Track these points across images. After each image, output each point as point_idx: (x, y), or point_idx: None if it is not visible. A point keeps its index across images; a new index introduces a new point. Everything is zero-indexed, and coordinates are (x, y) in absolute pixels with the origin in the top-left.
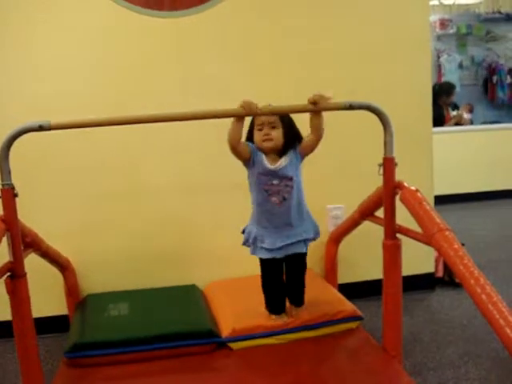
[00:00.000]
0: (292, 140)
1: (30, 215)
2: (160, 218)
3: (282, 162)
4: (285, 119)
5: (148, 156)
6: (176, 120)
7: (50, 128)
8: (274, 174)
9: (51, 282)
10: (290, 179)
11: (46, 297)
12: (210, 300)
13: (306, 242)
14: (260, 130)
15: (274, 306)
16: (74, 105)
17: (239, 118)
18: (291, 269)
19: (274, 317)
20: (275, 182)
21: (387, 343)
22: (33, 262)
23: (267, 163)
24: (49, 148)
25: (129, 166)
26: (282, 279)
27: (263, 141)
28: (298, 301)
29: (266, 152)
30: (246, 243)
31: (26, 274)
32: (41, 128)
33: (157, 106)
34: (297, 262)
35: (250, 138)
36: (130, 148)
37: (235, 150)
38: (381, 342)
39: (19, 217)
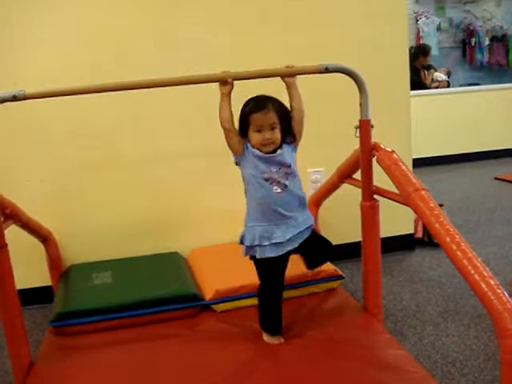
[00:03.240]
0: (287, 131)
1: (9, 187)
2: (141, 187)
3: (279, 152)
4: (280, 113)
5: (127, 125)
6: (153, 86)
7: (24, 98)
8: (271, 160)
9: (34, 253)
10: (289, 166)
11: (29, 268)
12: (193, 266)
13: (308, 228)
14: (259, 131)
15: (272, 322)
16: (50, 75)
17: (224, 95)
18: (312, 251)
19: (268, 337)
20: (274, 169)
21: (368, 303)
22: (15, 235)
23: (261, 152)
24: (28, 118)
25: (107, 135)
26: (283, 286)
27: (263, 145)
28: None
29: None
30: (249, 251)
31: (6, 244)
32: (15, 98)
33: (135, 72)
34: (314, 243)
35: (243, 133)
36: (108, 117)
37: (227, 128)
38: (361, 302)
39: None
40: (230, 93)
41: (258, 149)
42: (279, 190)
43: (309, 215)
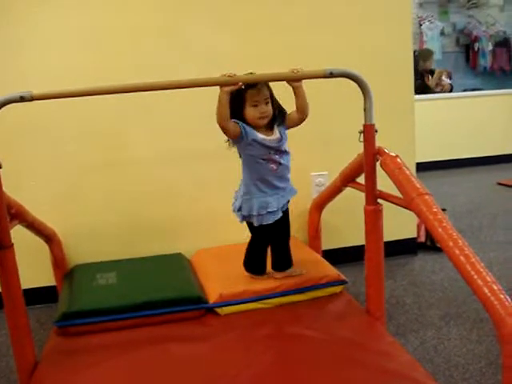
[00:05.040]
0: (278, 111)
1: (14, 187)
2: (146, 188)
3: (277, 134)
4: (270, 89)
5: (133, 125)
6: (159, 89)
7: (31, 99)
8: (271, 147)
9: (39, 253)
10: (288, 153)
11: (34, 268)
12: (197, 267)
13: (292, 194)
14: (255, 105)
15: (261, 266)
16: (57, 76)
17: (226, 92)
18: (281, 228)
19: (258, 277)
20: (272, 151)
21: (370, 306)
22: (20, 235)
23: (261, 136)
24: (34, 119)
25: (113, 136)
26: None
27: (260, 118)
28: (287, 262)
29: (258, 127)
30: (246, 218)
31: (12, 244)
32: (22, 99)
33: (140, 74)
34: (285, 220)
35: (236, 114)
36: (114, 117)
37: (225, 128)
38: (364, 305)
39: (3, 188)
40: (231, 91)
41: (254, 126)
42: (275, 168)
43: (293, 188)
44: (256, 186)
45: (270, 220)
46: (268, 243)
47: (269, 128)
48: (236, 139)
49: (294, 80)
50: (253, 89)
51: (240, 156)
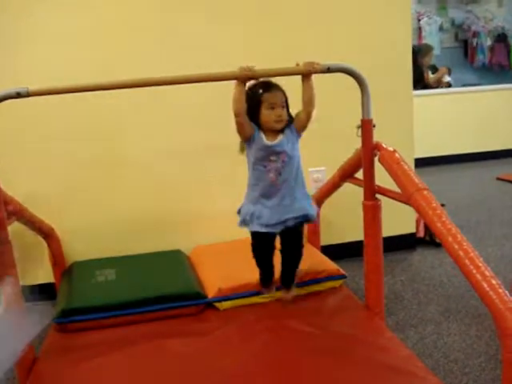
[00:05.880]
0: (290, 117)
1: (12, 184)
2: (144, 184)
3: (280, 138)
4: (285, 95)
5: (131, 122)
6: (166, 84)
7: (28, 94)
8: (271, 150)
9: (37, 250)
10: (286, 154)
11: (33, 265)
12: (196, 264)
13: (301, 219)
14: (272, 108)
15: (263, 276)
16: (55, 72)
17: (241, 84)
18: (286, 246)
19: (263, 289)
20: (273, 158)
21: (370, 301)
22: (18, 232)
23: (265, 140)
24: (32, 116)
25: (111, 133)
26: (273, 252)
27: (276, 121)
28: (290, 280)
29: (268, 130)
30: (243, 223)
31: (10, 241)
32: (18, 95)
33: (141, 70)
34: (291, 239)
35: (251, 117)
36: (112, 114)
37: (241, 123)
38: (363, 300)
39: (1, 185)
40: (247, 81)
41: (267, 129)
42: (273, 178)
43: (306, 205)
44: (254, 194)
45: (258, 228)
46: (267, 254)
47: (276, 134)
48: (249, 138)
49: (295, 74)
50: (270, 92)
51: (248, 164)
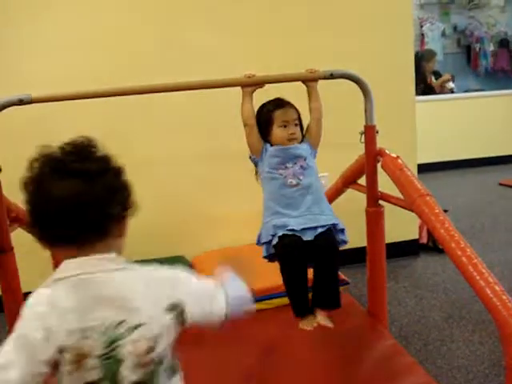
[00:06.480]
0: (303, 136)
1: (15, 191)
2: (148, 190)
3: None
4: (298, 112)
5: (137, 127)
6: (172, 91)
7: (31, 101)
8: (287, 153)
9: (40, 256)
10: (304, 159)
11: (35, 272)
12: (198, 270)
13: (331, 228)
14: (284, 126)
15: (296, 305)
16: (57, 79)
17: (248, 93)
18: (318, 258)
19: (300, 322)
20: (289, 164)
21: (372, 308)
22: (21, 238)
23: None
24: (35, 122)
25: (116, 137)
26: (306, 270)
27: (289, 140)
28: (329, 300)
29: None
30: (268, 243)
31: (13, 248)
32: (21, 102)
33: (140, 77)
34: (324, 249)
35: (262, 135)
36: (118, 119)
37: (252, 129)
38: (366, 307)
39: (3, 192)
40: (253, 92)
41: (279, 144)
42: (294, 183)
43: (331, 216)
44: (275, 207)
45: (285, 232)
46: (300, 270)
47: None
48: (257, 156)
49: (297, 80)
50: (281, 109)
51: (261, 179)
